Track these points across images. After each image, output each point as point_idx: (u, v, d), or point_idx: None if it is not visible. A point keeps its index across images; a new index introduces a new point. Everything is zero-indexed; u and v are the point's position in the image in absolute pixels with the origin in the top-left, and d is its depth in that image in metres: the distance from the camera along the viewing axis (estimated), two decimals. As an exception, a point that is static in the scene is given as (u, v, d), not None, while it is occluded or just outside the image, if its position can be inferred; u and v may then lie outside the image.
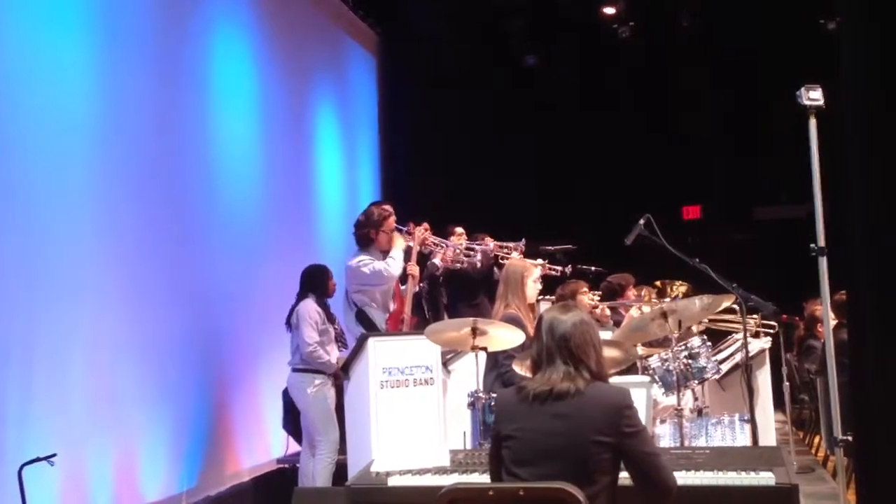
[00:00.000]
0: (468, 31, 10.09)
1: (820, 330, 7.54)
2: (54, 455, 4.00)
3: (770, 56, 9.92)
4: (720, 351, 5.66)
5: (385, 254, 5.75)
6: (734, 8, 10.00)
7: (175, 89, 5.87)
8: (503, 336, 4.22)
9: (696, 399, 4.89)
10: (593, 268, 7.03)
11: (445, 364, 5.14)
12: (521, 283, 4.96)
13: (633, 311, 6.03)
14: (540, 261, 6.38)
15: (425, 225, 6.24)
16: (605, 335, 4.83)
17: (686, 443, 4.04)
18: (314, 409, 5.52)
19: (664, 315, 4.26)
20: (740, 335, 5.18)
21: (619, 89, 10.78)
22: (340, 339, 5.83)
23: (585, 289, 5.95)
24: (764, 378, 6.17)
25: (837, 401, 3.63)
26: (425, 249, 6.20)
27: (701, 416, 4.68)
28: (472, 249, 6.44)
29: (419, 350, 4.82)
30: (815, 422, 7.58)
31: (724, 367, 5.43)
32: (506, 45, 10.53)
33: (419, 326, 5.49)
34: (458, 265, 6.44)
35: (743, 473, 3.01)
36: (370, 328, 5.52)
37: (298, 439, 5.88)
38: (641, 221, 4.74)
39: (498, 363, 4.69)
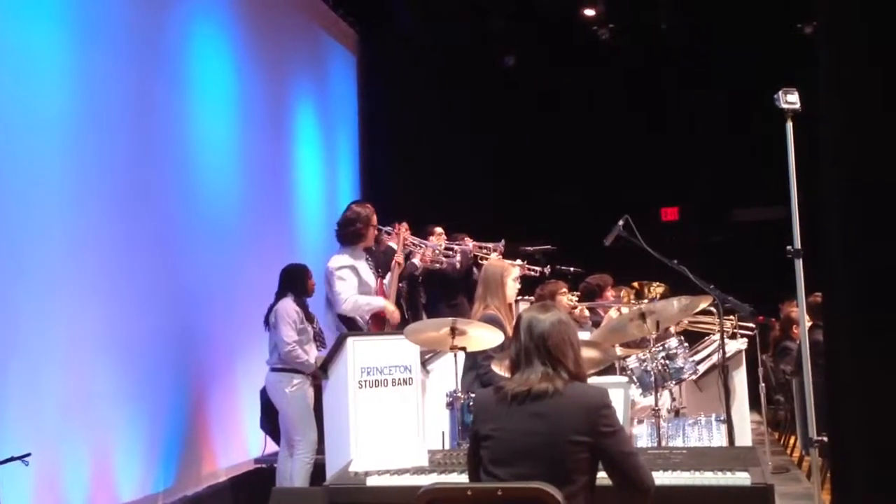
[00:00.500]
0: (448, 31, 10.09)
1: (795, 331, 7.62)
2: (28, 455, 3.95)
3: (748, 59, 10.00)
4: (697, 352, 5.69)
5: (369, 250, 5.74)
6: (713, 12, 10.07)
7: (152, 86, 5.82)
8: (482, 336, 4.22)
9: (673, 399, 4.92)
10: (572, 268, 7.05)
11: (424, 364, 5.14)
12: (500, 284, 4.97)
13: (612, 312, 6.06)
14: (519, 261, 6.40)
15: (405, 224, 6.24)
16: (584, 336, 4.86)
17: (663, 443, 4.06)
18: (292, 408, 5.50)
19: (642, 316, 4.28)
20: (717, 336, 5.22)
21: (598, 91, 10.82)
22: (319, 339, 5.81)
23: (564, 289, 5.97)
24: (740, 379, 6.22)
25: (812, 401, 3.67)
26: (405, 249, 6.19)
27: (678, 416, 4.71)
28: (452, 249, 6.44)
29: (398, 350, 4.82)
30: (790, 422, 7.66)
31: (701, 368, 5.46)
32: (485, 45, 10.54)
33: (399, 325, 5.48)
34: (438, 265, 6.44)
35: (719, 473, 3.03)
36: (353, 327, 5.51)
37: (276, 439, 5.86)
38: (620, 222, 4.76)
39: (476, 363, 4.69)
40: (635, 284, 6.78)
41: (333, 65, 9.70)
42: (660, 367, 4.53)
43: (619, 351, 5.02)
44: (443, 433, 4.56)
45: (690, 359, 4.87)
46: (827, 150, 2.56)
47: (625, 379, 4.49)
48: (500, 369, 4.07)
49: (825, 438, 3.41)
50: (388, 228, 6.04)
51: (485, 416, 2.73)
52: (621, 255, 5.16)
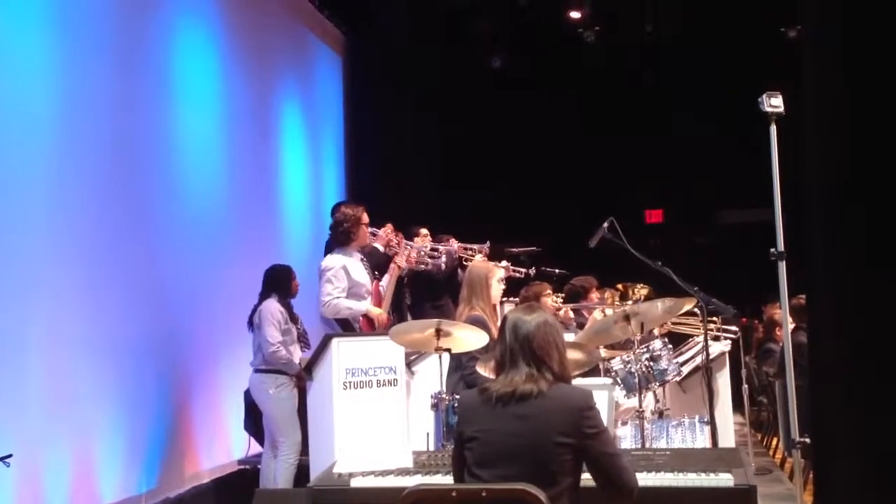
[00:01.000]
0: (434, 32, 10.10)
1: (778, 333, 7.67)
2: (10, 456, 3.93)
3: (733, 62, 10.06)
4: (681, 353, 5.72)
5: (362, 250, 5.73)
6: (698, 14, 10.12)
7: (135, 86, 5.79)
8: (467, 337, 4.22)
9: (657, 401, 4.94)
10: (557, 270, 7.07)
11: (409, 365, 5.13)
12: (485, 285, 4.97)
13: (597, 314, 6.07)
14: (504, 263, 6.41)
15: (390, 225, 6.24)
16: (569, 337, 4.87)
17: (647, 444, 4.07)
18: (276, 409, 5.48)
19: (627, 318, 4.29)
20: (701, 338, 5.25)
21: (583, 93, 10.85)
22: (303, 340, 5.80)
23: (549, 291, 5.99)
24: (723, 380, 6.25)
25: (795, 403, 3.69)
26: (389, 251, 6.18)
27: (662, 417, 4.73)
28: (437, 250, 6.44)
29: (383, 351, 4.81)
30: (772, 424, 7.70)
31: (685, 370, 5.49)
32: (472, 46, 10.56)
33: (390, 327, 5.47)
34: (423, 266, 6.44)
35: (702, 475, 3.04)
36: (347, 327, 5.49)
37: (260, 440, 5.84)
38: (605, 224, 4.78)
39: (461, 364, 4.69)
40: (620, 286, 6.81)
41: (319, 65, 9.68)
42: (644, 369, 4.55)
43: (603, 352, 5.04)
44: (427, 434, 4.56)
45: (674, 360, 4.90)
46: (810, 154, 2.58)
47: (609, 380, 4.50)
48: (485, 370, 4.08)
49: (807, 440, 3.43)
50: (373, 230, 6.03)
51: (469, 418, 2.73)
52: (606, 256, 5.18)
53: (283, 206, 8.25)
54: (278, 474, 5.40)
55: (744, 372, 6.93)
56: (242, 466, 6.23)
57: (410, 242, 6.42)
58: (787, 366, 3.76)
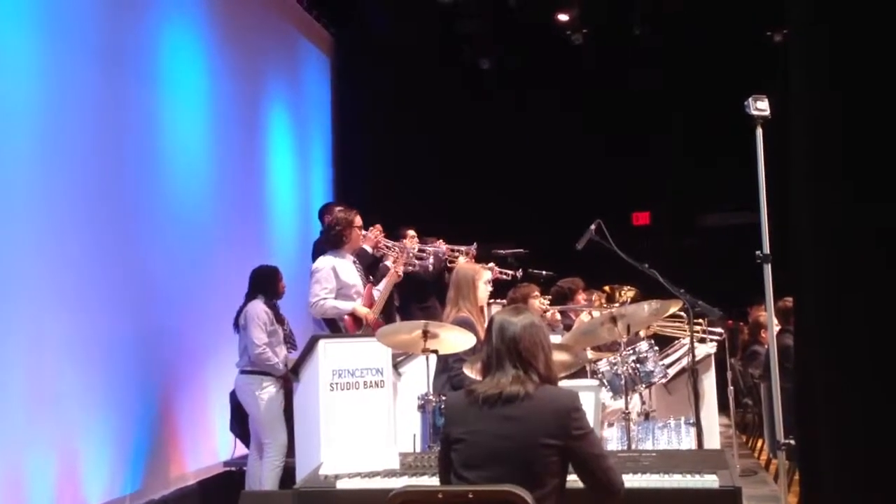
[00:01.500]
0: (423, 34, 10.10)
1: (764, 335, 7.70)
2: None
3: (719, 66, 10.10)
4: (667, 355, 5.74)
5: (357, 252, 5.73)
6: (685, 19, 10.17)
7: (122, 85, 5.76)
8: (454, 339, 4.22)
9: (643, 403, 4.96)
10: (544, 272, 7.08)
11: (396, 366, 5.13)
12: (472, 287, 4.96)
13: (584, 316, 6.08)
14: (491, 264, 6.42)
15: (378, 226, 6.24)
16: (556, 339, 4.88)
17: (633, 446, 4.09)
18: (262, 411, 5.46)
19: (613, 320, 4.30)
20: (687, 340, 5.27)
21: (571, 95, 10.87)
22: (289, 341, 5.78)
23: (537, 292, 5.99)
24: (709, 382, 6.27)
25: (780, 405, 3.71)
26: (378, 252, 6.17)
27: (648, 419, 4.75)
28: (424, 251, 6.44)
29: (370, 352, 4.81)
30: (758, 425, 7.73)
31: (671, 372, 5.51)
32: (460, 48, 10.57)
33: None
34: (411, 267, 6.44)
35: (688, 476, 3.06)
36: (334, 328, 5.48)
37: (246, 442, 5.82)
38: (592, 227, 4.79)
39: (448, 366, 4.69)
40: (607, 288, 6.83)
41: (307, 66, 9.66)
42: (630, 371, 4.57)
43: (590, 354, 5.05)
44: (414, 436, 4.56)
45: (660, 362, 4.92)
46: (797, 155, 2.60)
47: (595, 382, 4.51)
48: (471, 372, 4.08)
49: (792, 441, 3.45)
50: (363, 232, 6.02)
51: (456, 420, 2.73)
52: (593, 258, 5.19)
53: (270, 207, 8.23)
54: (264, 476, 5.39)
55: (729, 374, 6.96)
56: (228, 468, 6.21)
57: (399, 243, 6.40)
58: (772, 368, 3.78)
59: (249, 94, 7.92)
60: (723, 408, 6.92)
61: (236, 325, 5.58)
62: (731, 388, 7.01)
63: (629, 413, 4.21)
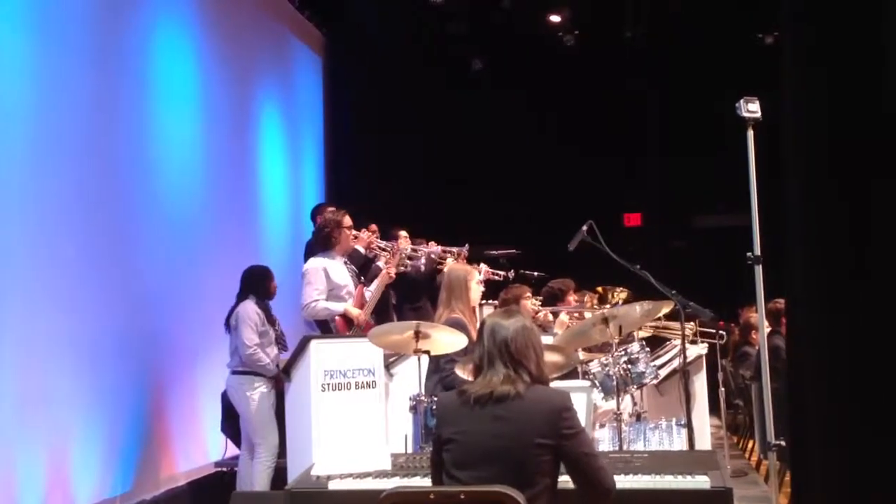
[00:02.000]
0: (414, 34, 10.10)
1: (754, 336, 7.72)
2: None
3: (710, 68, 10.13)
4: (658, 356, 5.75)
5: (347, 253, 5.72)
6: (676, 20, 10.20)
7: (113, 85, 5.74)
8: (446, 340, 4.22)
9: (634, 404, 4.96)
10: (536, 273, 7.08)
11: (388, 367, 5.13)
12: (464, 288, 4.96)
13: (563, 317, 6.08)
14: (483, 265, 6.42)
15: (373, 227, 6.24)
16: (548, 340, 4.88)
17: (625, 447, 4.09)
18: (253, 411, 5.45)
19: (605, 321, 4.31)
20: (678, 341, 5.28)
21: (563, 96, 10.89)
22: (281, 341, 5.77)
23: (529, 294, 5.99)
24: (700, 383, 6.29)
25: (771, 406, 3.72)
26: (370, 253, 6.17)
27: (639, 420, 4.75)
28: (416, 251, 6.44)
29: (361, 353, 4.80)
30: (748, 426, 7.76)
31: (663, 373, 5.52)
32: (452, 48, 10.57)
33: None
34: (402, 268, 6.43)
35: (679, 477, 3.06)
36: (326, 328, 5.47)
37: (237, 442, 5.80)
38: (584, 227, 4.79)
39: (439, 367, 4.69)
40: (599, 289, 6.84)
41: (299, 66, 9.65)
42: (622, 372, 4.57)
43: (581, 355, 5.05)
44: (406, 437, 4.56)
45: (652, 363, 4.92)
46: (789, 156, 2.61)
47: (587, 383, 4.51)
48: (463, 373, 4.08)
49: (783, 442, 3.46)
50: (354, 232, 6.01)
51: (447, 420, 2.73)
52: (585, 259, 5.19)
53: (261, 207, 8.22)
54: (255, 477, 5.37)
55: (720, 375, 6.98)
56: (219, 469, 6.19)
57: (392, 244, 6.40)
58: (762, 369, 3.79)
59: (241, 94, 7.90)
60: (714, 409, 6.94)
61: (227, 325, 5.57)
62: (722, 389, 7.03)
63: (621, 414, 4.21)
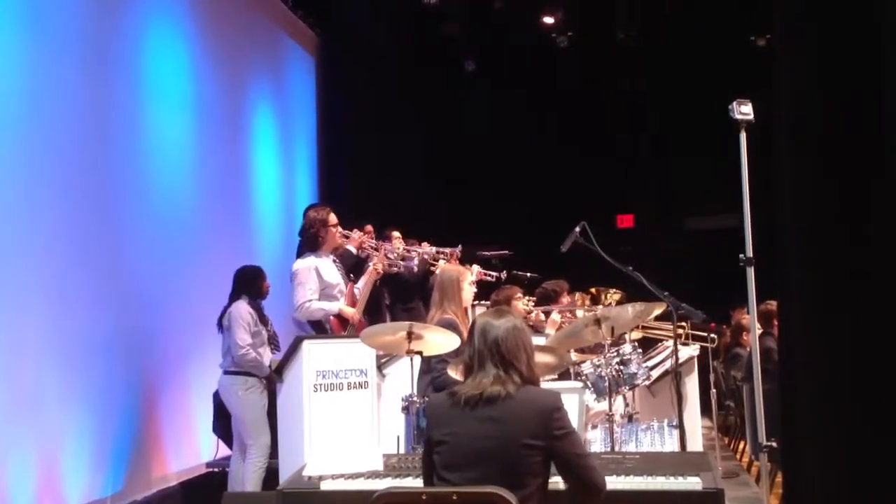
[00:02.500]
0: (408, 34, 10.10)
1: (746, 338, 7.74)
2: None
3: (703, 70, 10.16)
4: (650, 357, 5.76)
5: (335, 252, 5.69)
6: (669, 23, 10.22)
7: (105, 85, 5.73)
8: (439, 340, 4.22)
9: (626, 405, 4.98)
10: (528, 273, 7.09)
11: (380, 368, 5.12)
12: (457, 288, 4.95)
13: (555, 316, 6.08)
14: (475, 266, 6.42)
15: (368, 228, 6.22)
16: (540, 341, 4.88)
17: (617, 448, 4.09)
18: (246, 412, 5.44)
19: (598, 322, 4.31)
20: (670, 342, 5.29)
21: (557, 97, 10.91)
22: (273, 342, 5.76)
23: (520, 294, 5.99)
24: (692, 385, 6.31)
25: (762, 407, 3.73)
26: (362, 253, 6.16)
27: (631, 421, 4.76)
28: (409, 252, 6.44)
29: (354, 353, 4.79)
30: (739, 427, 7.78)
31: (655, 374, 5.53)
32: (445, 48, 10.58)
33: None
34: (395, 269, 6.43)
35: (671, 478, 3.07)
36: (319, 328, 5.46)
37: (229, 443, 5.79)
38: (577, 229, 4.80)
39: (431, 367, 4.68)
40: (593, 290, 6.85)
41: (292, 66, 9.64)
42: (614, 373, 4.58)
43: (574, 356, 5.06)
44: (398, 437, 4.56)
45: (644, 365, 4.93)
46: (782, 155, 2.62)
47: (579, 384, 4.52)
48: (455, 373, 4.08)
49: (774, 444, 3.47)
50: (345, 232, 6.00)
51: (438, 422, 2.73)
52: (578, 261, 5.20)
53: (254, 207, 8.20)
54: (247, 477, 5.36)
55: (712, 376, 7.00)
56: (210, 469, 6.18)
57: (384, 245, 6.39)
58: (754, 370, 3.80)
59: (234, 94, 7.89)
60: (705, 410, 6.96)
61: (220, 325, 5.56)
62: (714, 390, 7.05)
63: (613, 415, 4.22)
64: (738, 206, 3.82)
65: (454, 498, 2.44)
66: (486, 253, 7.09)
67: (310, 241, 5.53)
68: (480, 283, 6.32)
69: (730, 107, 3.79)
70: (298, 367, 4.77)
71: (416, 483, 3.12)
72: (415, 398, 4.17)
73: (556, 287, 6.43)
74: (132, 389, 5.81)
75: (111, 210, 5.71)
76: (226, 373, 5.50)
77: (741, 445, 7.81)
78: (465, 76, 10.82)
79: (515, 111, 10.78)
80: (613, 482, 3.00)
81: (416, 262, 6.40)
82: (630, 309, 4.45)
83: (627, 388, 4.79)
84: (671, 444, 4.22)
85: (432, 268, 6.32)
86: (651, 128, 11.03)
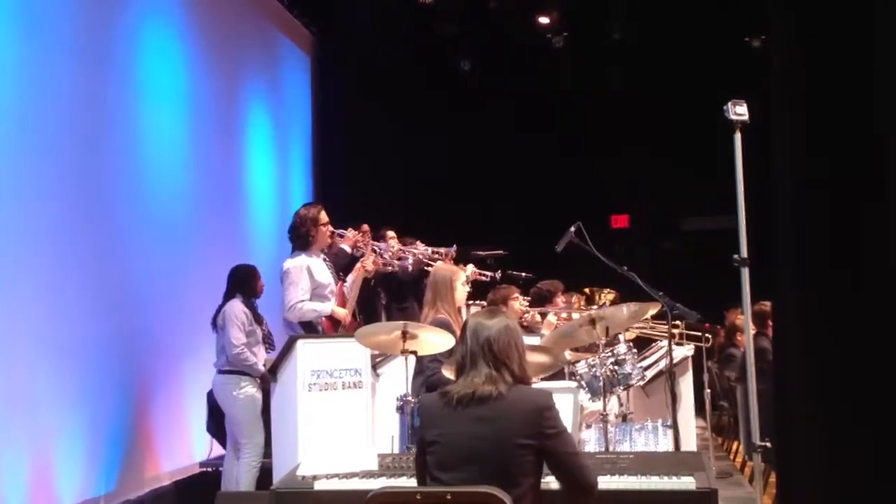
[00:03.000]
0: (403, 34, 10.09)
1: (739, 338, 7.76)
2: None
3: (698, 71, 10.18)
4: (645, 358, 5.77)
5: (325, 251, 5.66)
6: (664, 23, 10.23)
7: (101, 84, 5.71)
8: (433, 340, 4.22)
9: (621, 405, 4.98)
10: (523, 273, 7.09)
11: (374, 367, 5.12)
12: (449, 288, 4.95)
13: (551, 318, 6.08)
14: (470, 266, 6.42)
15: (364, 227, 6.21)
16: (535, 341, 4.89)
17: (611, 448, 4.10)
18: (240, 411, 5.43)
19: (592, 322, 4.32)
20: (664, 342, 5.30)
21: (552, 98, 10.91)
22: (268, 341, 5.75)
23: (516, 294, 5.99)
24: (686, 385, 6.31)
25: (756, 408, 3.73)
26: (357, 252, 6.15)
27: (626, 421, 4.77)
28: (404, 252, 6.43)
29: (348, 353, 4.79)
30: (733, 428, 7.79)
31: (649, 374, 5.54)
32: (440, 49, 10.57)
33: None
34: (389, 268, 6.43)
35: (665, 478, 3.08)
36: (309, 328, 5.44)
37: (222, 442, 5.78)
38: (572, 229, 4.80)
39: (424, 367, 4.68)
40: (587, 290, 6.85)
41: (287, 65, 9.63)
42: (608, 373, 4.58)
43: (568, 356, 5.06)
44: (392, 437, 4.55)
45: (638, 365, 4.94)
46: (777, 155, 2.62)
47: (574, 384, 4.52)
48: (449, 373, 4.08)
49: (768, 444, 3.47)
50: (340, 231, 5.99)
51: (430, 422, 2.73)
52: (573, 261, 5.20)
53: (249, 206, 8.19)
54: (240, 477, 5.35)
55: (706, 376, 7.01)
56: (204, 469, 6.17)
57: (379, 244, 6.39)
58: (748, 370, 3.80)
59: (229, 93, 7.87)
60: (699, 410, 6.97)
61: (214, 324, 5.54)
62: (708, 390, 7.06)
63: (607, 415, 4.22)
64: (732, 206, 3.82)
65: (448, 498, 2.43)
66: (482, 253, 7.09)
67: (300, 240, 5.46)
68: (475, 283, 6.31)
69: (725, 107, 3.79)
70: (292, 367, 4.77)
71: (410, 483, 3.12)
72: (409, 398, 4.16)
73: (551, 287, 6.44)
74: (125, 389, 5.80)
75: (105, 210, 5.69)
76: (220, 372, 5.49)
77: (735, 445, 7.83)
78: (460, 76, 10.82)
79: (510, 111, 10.78)
80: (607, 482, 3.01)
81: (410, 261, 6.40)
82: (625, 309, 4.45)
83: (622, 387, 4.79)
84: (665, 444, 4.22)
85: (428, 268, 6.32)
86: (645, 128, 11.04)
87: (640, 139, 10.99)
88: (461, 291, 5.04)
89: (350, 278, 5.75)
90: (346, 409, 4.76)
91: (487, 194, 10.73)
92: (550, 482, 2.78)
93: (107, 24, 5.85)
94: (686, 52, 10.32)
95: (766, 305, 5.91)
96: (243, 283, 5.60)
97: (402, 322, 4.22)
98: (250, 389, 5.44)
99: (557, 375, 4.87)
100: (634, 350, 4.97)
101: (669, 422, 4.34)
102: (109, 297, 5.62)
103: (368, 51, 9.80)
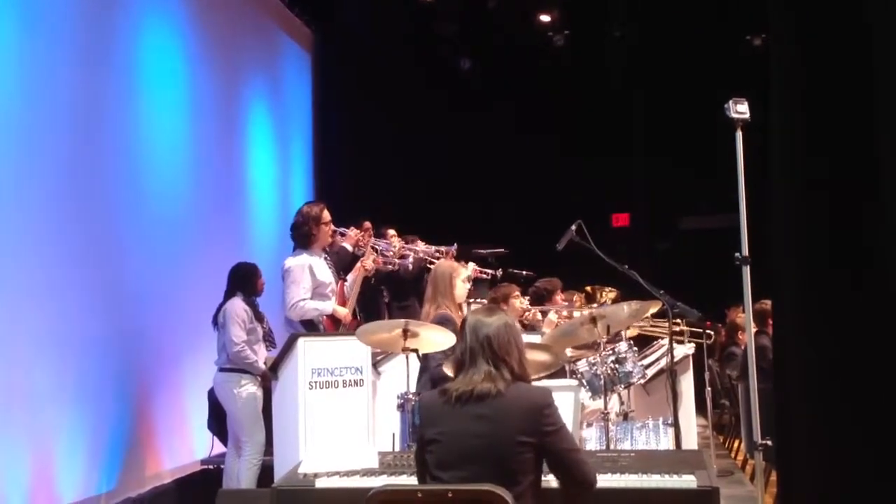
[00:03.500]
0: (403, 32, 10.09)
1: (741, 337, 7.76)
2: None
3: (698, 69, 10.18)
4: (646, 356, 5.77)
5: (327, 250, 5.66)
6: (665, 22, 10.23)
7: (100, 83, 5.71)
8: (434, 338, 4.22)
9: (622, 403, 4.98)
10: (524, 272, 7.09)
11: (375, 365, 5.12)
12: (449, 284, 4.96)
13: (552, 316, 6.09)
14: (471, 264, 6.42)
15: (366, 225, 6.20)
16: (536, 339, 4.89)
17: (612, 446, 4.10)
18: (241, 409, 5.43)
19: (593, 320, 4.32)
20: (665, 340, 5.30)
21: (552, 97, 10.91)
22: (268, 339, 5.75)
23: (517, 292, 6.00)
24: (687, 383, 6.32)
25: (757, 406, 3.74)
26: (358, 251, 6.15)
27: (626, 419, 4.77)
28: (406, 250, 6.43)
29: (349, 351, 4.79)
30: (734, 426, 7.80)
31: (650, 372, 5.54)
32: (440, 48, 10.57)
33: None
34: (390, 266, 6.43)
35: (666, 476, 3.08)
36: (310, 326, 5.44)
37: (223, 440, 5.79)
38: (573, 227, 4.81)
39: (428, 364, 4.68)
40: (588, 289, 6.85)
41: (288, 63, 9.62)
42: (609, 371, 4.58)
43: (569, 354, 5.06)
44: (393, 435, 4.55)
45: (639, 363, 4.94)
46: (776, 154, 2.62)
47: (575, 382, 4.52)
48: (449, 370, 4.08)
49: (769, 442, 3.48)
50: (342, 229, 5.99)
51: (430, 420, 2.73)
52: (574, 259, 5.20)
53: (249, 204, 8.19)
54: (241, 474, 5.36)
55: (707, 375, 7.01)
56: (205, 466, 6.17)
57: (380, 242, 6.38)
58: (749, 369, 3.80)
59: (229, 91, 7.87)
60: (700, 408, 6.97)
61: (215, 322, 5.55)
62: (709, 388, 7.06)
63: (608, 413, 4.22)
64: (733, 205, 3.82)
65: (449, 496, 2.44)
66: (483, 251, 7.09)
67: (302, 238, 5.46)
68: (476, 281, 6.31)
69: (726, 106, 3.79)
70: (293, 365, 4.77)
71: (411, 481, 3.12)
72: (410, 395, 4.17)
73: (549, 286, 6.44)
74: (126, 387, 5.80)
75: (105, 208, 5.69)
76: (221, 370, 5.50)
77: (736, 444, 7.83)
78: (460, 74, 10.82)
79: (511, 110, 10.79)
80: (608, 480, 3.01)
81: (411, 259, 6.40)
82: (626, 307, 4.45)
83: (623, 386, 4.80)
84: (666, 443, 4.23)
85: (429, 266, 6.32)
86: (646, 126, 11.04)
87: (640, 138, 11.00)
88: (461, 288, 5.05)
89: (350, 277, 5.75)
90: (347, 406, 4.77)
91: (487, 194, 10.73)
92: (551, 480, 2.78)
93: (107, 22, 5.85)
94: (686, 52, 10.31)
95: (767, 304, 5.91)
96: (244, 281, 5.61)
97: (403, 320, 4.22)
98: (251, 387, 5.45)
99: (558, 374, 4.87)
100: (635, 348, 4.97)
101: (670, 420, 4.35)
102: (110, 295, 5.62)
103: (368, 50, 9.79)
